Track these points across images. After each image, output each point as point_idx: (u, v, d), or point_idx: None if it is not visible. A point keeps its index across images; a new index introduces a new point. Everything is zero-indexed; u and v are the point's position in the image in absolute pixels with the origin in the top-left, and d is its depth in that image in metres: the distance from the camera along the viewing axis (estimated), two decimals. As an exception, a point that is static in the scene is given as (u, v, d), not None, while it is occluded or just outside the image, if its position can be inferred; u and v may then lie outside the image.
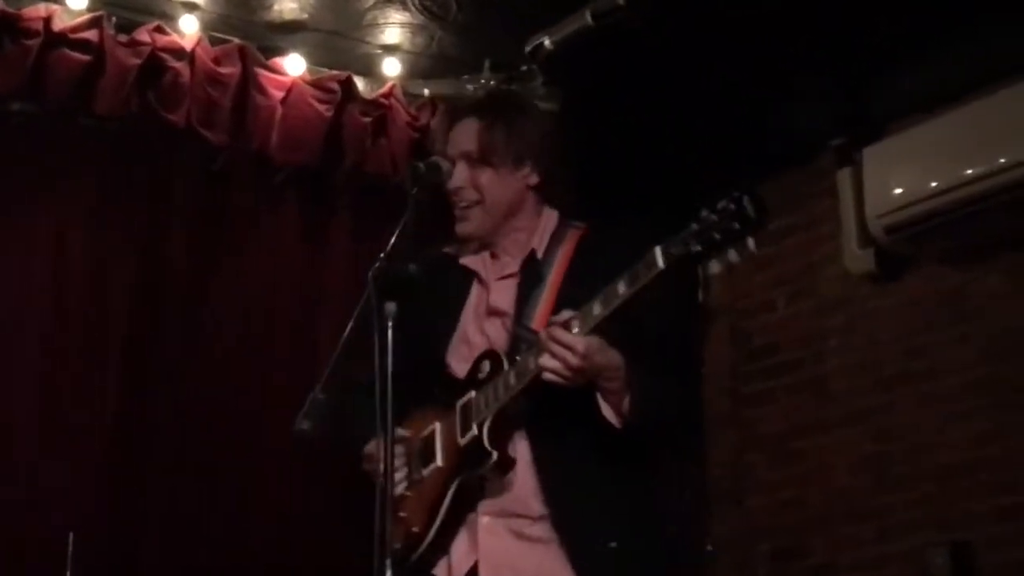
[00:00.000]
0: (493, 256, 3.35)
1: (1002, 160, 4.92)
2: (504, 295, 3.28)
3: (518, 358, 3.07)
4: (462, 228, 3.31)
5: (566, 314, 2.97)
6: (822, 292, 5.87)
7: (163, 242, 5.18)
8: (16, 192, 4.95)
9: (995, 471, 5.11)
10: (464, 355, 3.22)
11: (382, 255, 2.90)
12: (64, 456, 4.79)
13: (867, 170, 5.45)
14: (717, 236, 2.75)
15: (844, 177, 5.61)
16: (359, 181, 5.50)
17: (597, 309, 2.92)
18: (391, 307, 2.81)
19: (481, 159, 3.25)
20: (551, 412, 3.07)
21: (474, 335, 3.26)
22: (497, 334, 3.22)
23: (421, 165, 3.18)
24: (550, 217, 3.35)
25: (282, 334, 5.29)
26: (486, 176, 3.26)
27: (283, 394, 4.89)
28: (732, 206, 2.76)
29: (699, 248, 2.77)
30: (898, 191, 5.26)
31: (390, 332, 2.79)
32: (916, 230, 5.26)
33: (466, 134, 3.29)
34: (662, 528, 3.26)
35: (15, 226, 4.92)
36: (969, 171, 5.01)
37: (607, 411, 3.01)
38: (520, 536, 3.08)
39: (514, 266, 3.31)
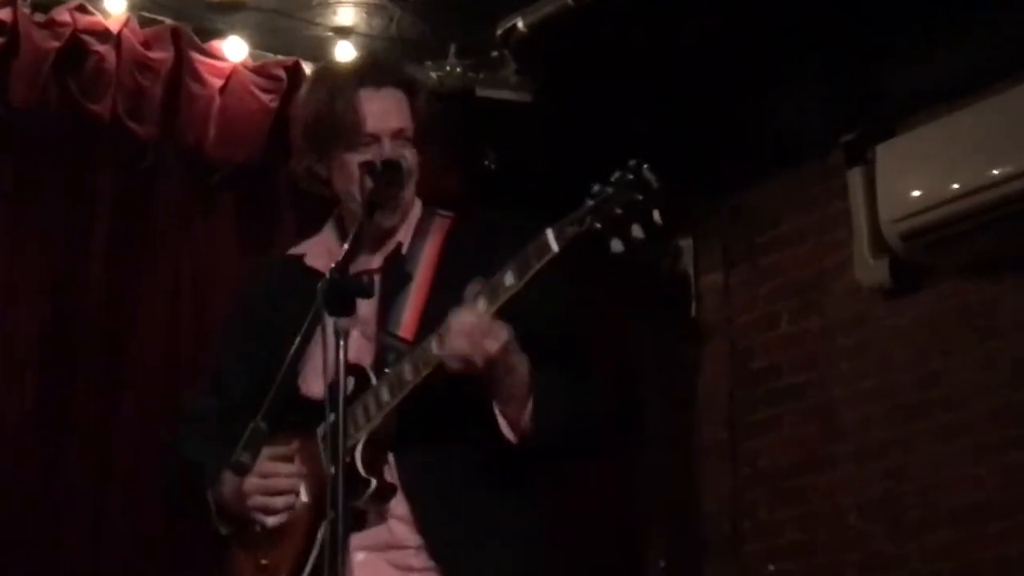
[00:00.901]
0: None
1: (1033, 159, 4.88)
2: (364, 298, 3.12)
3: (387, 370, 2.99)
4: (391, 220, 3.20)
5: (475, 287, 2.88)
6: (830, 308, 5.85)
7: (83, 248, 5.15)
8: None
9: (1026, 513, 5.03)
10: (319, 371, 3.00)
11: (333, 266, 2.85)
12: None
13: (881, 170, 5.46)
14: (618, 210, 2.72)
15: (855, 178, 5.63)
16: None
17: (482, 304, 2.87)
18: (344, 323, 2.76)
19: (414, 139, 3.18)
20: (425, 430, 3.01)
21: (330, 349, 3.08)
22: (358, 345, 3.04)
23: (378, 164, 3.10)
24: (415, 204, 3.27)
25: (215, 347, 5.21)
26: (413, 157, 3.18)
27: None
28: (630, 175, 2.74)
29: (598, 225, 2.73)
30: (916, 193, 5.27)
31: (342, 352, 2.75)
32: (936, 237, 5.25)
33: (396, 109, 3.18)
34: (555, 556, 3.18)
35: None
36: (995, 171, 5.01)
37: (503, 424, 2.96)
38: (401, 568, 3.03)
39: (374, 262, 3.19)
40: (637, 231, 2.73)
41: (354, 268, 3.11)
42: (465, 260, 3.07)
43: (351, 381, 2.97)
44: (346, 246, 2.96)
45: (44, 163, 5.14)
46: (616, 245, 2.74)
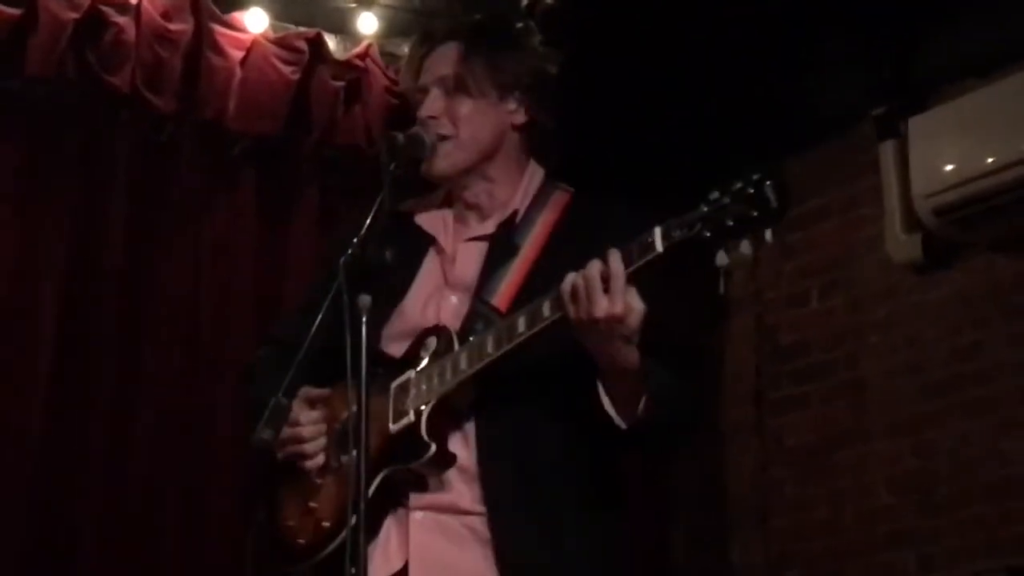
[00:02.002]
0: (457, 217, 3.20)
1: (1072, 132, 4.88)
2: (468, 263, 3.13)
3: (471, 338, 2.96)
4: (431, 166, 3.14)
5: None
6: (860, 283, 5.84)
7: (101, 222, 5.13)
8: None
9: (1058, 488, 5.05)
10: (403, 332, 3.06)
11: (355, 241, 2.84)
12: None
13: (913, 143, 5.41)
14: (730, 223, 2.66)
15: (887, 151, 5.57)
16: (328, 154, 5.48)
17: (617, 263, 2.79)
18: (366, 300, 2.72)
19: (458, 86, 3.13)
20: (508, 404, 2.97)
21: (421, 310, 3.11)
22: (450, 311, 3.07)
23: (400, 136, 3.05)
24: (535, 174, 3.22)
25: (236, 327, 5.23)
26: (464, 107, 3.13)
27: (236, 396, 4.80)
28: (751, 190, 2.66)
29: (707, 234, 2.68)
30: (949, 167, 5.23)
31: (364, 328, 2.71)
32: (969, 212, 5.21)
33: (444, 58, 3.16)
34: (623, 557, 3.11)
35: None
36: (1033, 145, 4.92)
37: (610, 407, 2.90)
38: (457, 531, 3.00)
39: (486, 228, 3.17)
40: (746, 248, 2.73)
41: (468, 233, 3.18)
42: (575, 240, 3.00)
43: (433, 342, 3.01)
44: (368, 220, 2.91)
45: (62, 136, 5.14)
46: (721, 259, 2.73)
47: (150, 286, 5.21)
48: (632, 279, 2.76)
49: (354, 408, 2.77)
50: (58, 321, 5.01)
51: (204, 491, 5.09)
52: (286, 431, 3.04)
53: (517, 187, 3.19)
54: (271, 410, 2.91)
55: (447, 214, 3.23)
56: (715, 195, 2.69)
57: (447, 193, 3.24)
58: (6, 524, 4.73)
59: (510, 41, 3.27)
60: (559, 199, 3.19)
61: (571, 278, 2.79)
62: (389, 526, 3.02)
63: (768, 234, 2.67)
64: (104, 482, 4.97)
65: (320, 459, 3.09)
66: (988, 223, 5.25)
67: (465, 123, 3.14)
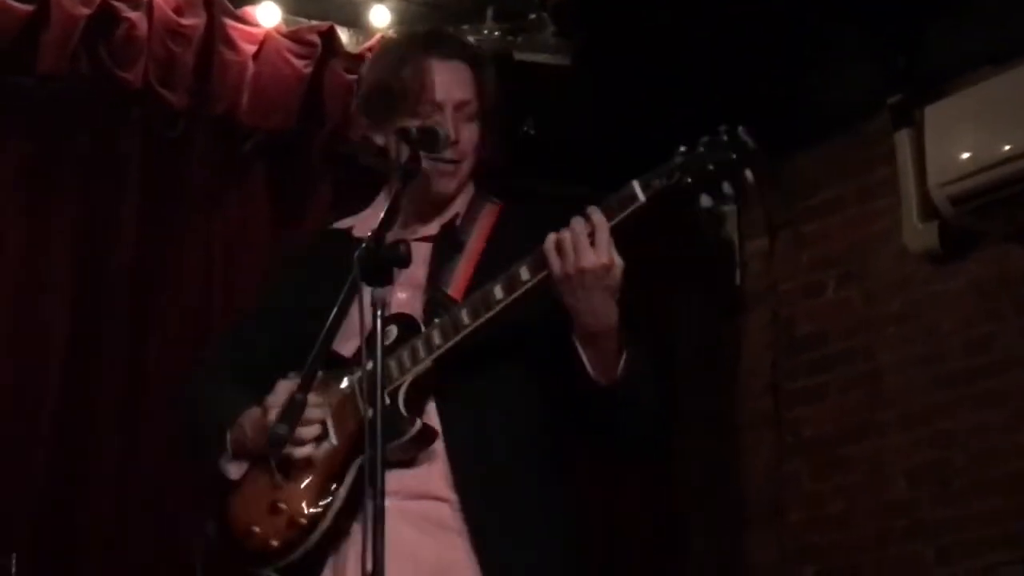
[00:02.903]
0: (401, 223, 3.19)
1: (1090, 120, 4.90)
2: (416, 262, 3.06)
3: (437, 320, 3.00)
4: (445, 186, 3.20)
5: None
6: (877, 274, 5.82)
7: (113, 218, 5.16)
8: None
9: (1075, 478, 5.07)
10: (351, 332, 2.98)
11: (369, 234, 2.82)
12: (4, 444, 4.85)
13: (929, 132, 5.42)
14: (711, 167, 2.75)
15: (902, 140, 5.56)
16: (341, 148, 5.44)
17: (599, 216, 2.87)
18: (380, 293, 2.73)
19: (475, 115, 3.19)
20: (469, 380, 3.01)
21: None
22: (400, 305, 3.08)
23: (414, 130, 3.06)
24: (470, 185, 3.30)
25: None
26: (473, 134, 3.19)
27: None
28: (725, 136, 2.76)
29: (688, 180, 2.75)
30: (966, 156, 5.24)
31: (379, 322, 2.71)
32: (986, 201, 5.23)
33: (460, 80, 3.19)
34: (578, 544, 3.17)
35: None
36: (1048, 133, 4.94)
37: (591, 368, 2.93)
38: (428, 521, 3.01)
39: (430, 230, 3.22)
40: (727, 189, 2.77)
41: (410, 234, 3.17)
42: (515, 237, 3.06)
43: (395, 329, 3.02)
44: (382, 214, 2.90)
45: (74, 132, 5.16)
46: (705, 200, 2.76)
47: (162, 281, 5.24)
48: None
49: (364, 404, 2.84)
50: (69, 316, 5.03)
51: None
52: (280, 413, 3.03)
53: (459, 191, 3.25)
54: (288, 406, 2.92)
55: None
56: (684, 148, 2.79)
57: (394, 198, 3.18)
58: (14, 521, 4.77)
59: (494, 72, 3.31)
60: (492, 208, 3.27)
61: (554, 235, 2.85)
62: (361, 521, 2.97)
63: (749, 175, 2.75)
64: (114, 479, 5.01)
65: (310, 448, 3.07)
66: (1005, 212, 5.25)
67: (471, 149, 3.20)
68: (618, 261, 2.82)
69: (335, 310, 2.88)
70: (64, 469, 4.91)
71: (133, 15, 5.08)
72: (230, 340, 3.44)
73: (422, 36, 3.40)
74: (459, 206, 3.24)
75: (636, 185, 2.80)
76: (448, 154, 3.13)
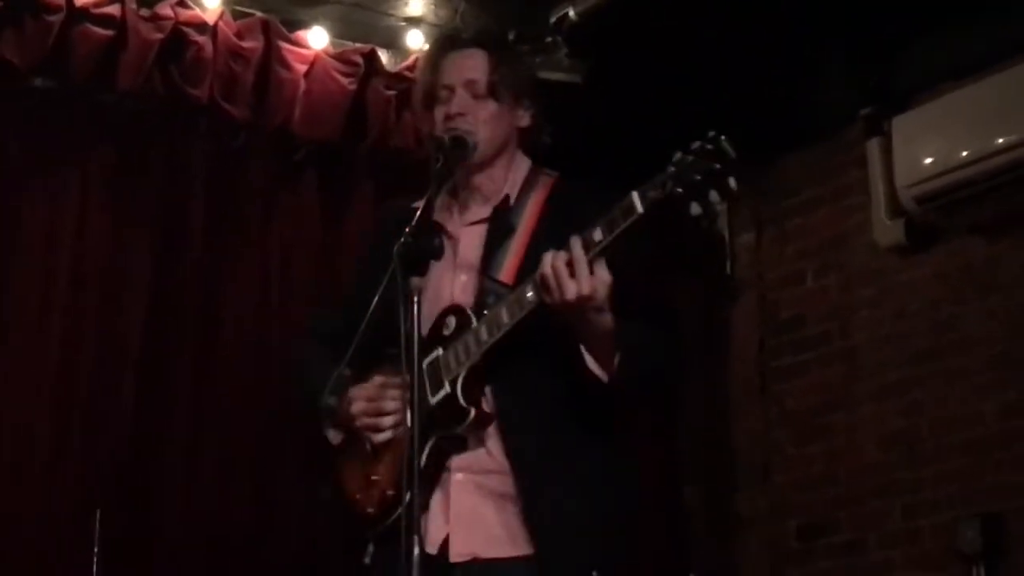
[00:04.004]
0: (461, 205, 3.27)
1: (1033, 129, 4.95)
2: (472, 245, 3.20)
3: (486, 312, 3.03)
4: (478, 179, 3.24)
5: (573, 240, 2.88)
6: (851, 264, 5.86)
7: (182, 220, 5.21)
8: (38, 168, 5.01)
9: (1026, 443, 5.16)
10: (426, 313, 3.05)
11: (407, 230, 2.87)
12: (86, 429, 4.86)
13: (896, 140, 5.43)
14: (697, 177, 2.71)
15: (873, 147, 5.58)
16: (382, 156, 5.50)
17: (579, 250, 2.86)
18: (417, 282, 2.80)
19: (488, 91, 3.19)
20: (517, 368, 3.03)
21: (439, 291, 3.17)
22: (463, 288, 3.15)
23: (446, 138, 3.12)
24: (523, 161, 3.31)
25: (299, 312, 5.25)
26: (488, 110, 3.19)
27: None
28: (709, 146, 2.73)
29: (679, 190, 2.73)
30: (928, 161, 5.25)
31: (416, 307, 2.77)
32: (946, 200, 5.25)
33: (473, 63, 3.22)
34: (628, 496, 3.18)
35: (37, 201, 4.99)
36: (1000, 140, 5.00)
37: (594, 366, 2.97)
38: (492, 493, 3.04)
39: (484, 212, 3.24)
40: (715, 197, 2.73)
41: (466, 218, 3.23)
42: (564, 217, 3.06)
43: (453, 320, 3.07)
44: (419, 212, 2.96)
45: (148, 142, 5.23)
46: (695, 208, 2.74)
47: (227, 271, 5.29)
48: (608, 250, 2.84)
49: (408, 378, 2.82)
50: (146, 309, 5.10)
51: (271, 463, 5.14)
52: (362, 405, 3.12)
53: (508, 175, 3.26)
54: (334, 381, 3.00)
55: (452, 203, 3.28)
56: (678, 156, 2.77)
57: (453, 183, 3.29)
58: (98, 481, 4.80)
59: (525, 55, 3.36)
60: (545, 183, 3.26)
61: (540, 272, 2.88)
62: (437, 492, 3.07)
63: (732, 181, 2.72)
64: (184, 452, 5.06)
65: (389, 434, 3.13)
66: (963, 210, 5.28)
67: (487, 124, 3.19)
68: (603, 280, 2.85)
69: (376, 300, 2.92)
70: (142, 436, 4.97)
71: (200, 39, 5.18)
72: (332, 309, 3.49)
73: (443, 36, 3.50)
74: (511, 185, 3.25)
75: (635, 196, 2.79)
76: (476, 157, 3.16)
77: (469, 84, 3.19)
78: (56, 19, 4.88)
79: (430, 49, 3.40)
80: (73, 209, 5.02)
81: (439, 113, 3.21)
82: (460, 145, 3.12)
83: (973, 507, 5.19)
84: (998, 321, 5.27)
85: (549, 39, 5.39)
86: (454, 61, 3.23)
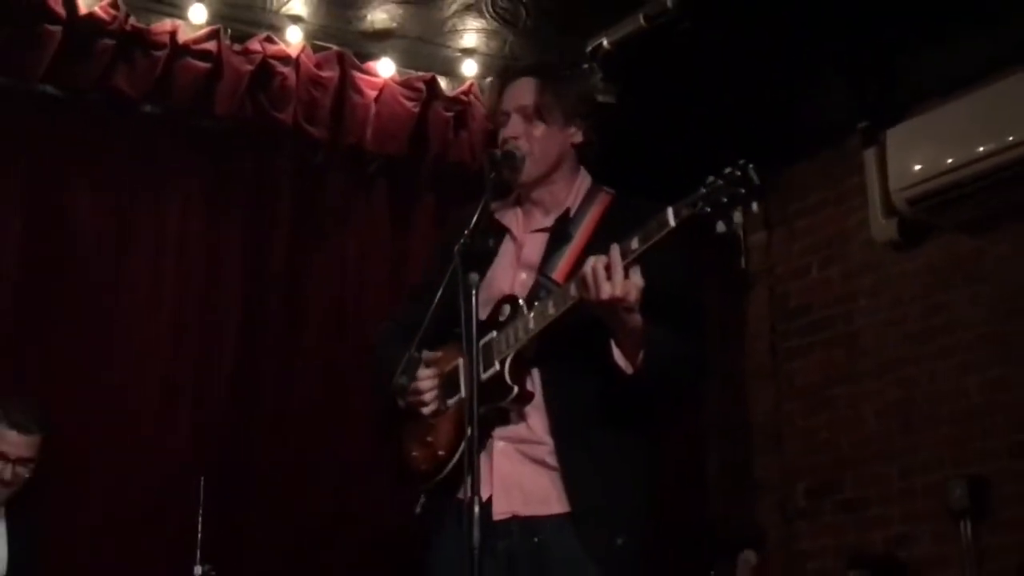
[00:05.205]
0: (525, 213, 3.30)
1: (1010, 138, 5.01)
2: (534, 249, 3.23)
3: (536, 303, 3.06)
4: (535, 191, 3.26)
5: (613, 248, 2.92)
6: (851, 258, 5.92)
7: (269, 229, 5.32)
8: (147, 182, 5.16)
9: (1007, 413, 5.23)
10: (487, 300, 3.07)
11: (466, 232, 2.90)
12: (191, 406, 4.99)
13: (890, 149, 5.50)
14: (725, 199, 2.74)
15: (870, 156, 5.66)
16: (442, 170, 5.61)
17: (616, 256, 2.87)
18: (474, 277, 2.85)
19: (536, 114, 3.20)
20: (561, 355, 3.07)
21: (500, 284, 3.19)
22: (522, 284, 3.17)
23: (498, 153, 3.16)
24: (585, 178, 3.33)
25: (372, 309, 5.32)
26: (539, 130, 3.20)
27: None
28: (738, 173, 2.75)
29: (708, 210, 2.75)
30: (918, 167, 5.32)
31: (474, 299, 2.83)
32: (934, 202, 5.31)
33: (523, 90, 3.24)
34: (652, 470, 3.14)
35: (146, 211, 5.13)
36: (981, 148, 5.09)
37: (620, 359, 2.97)
38: (530, 459, 3.06)
39: (547, 221, 3.27)
40: (738, 217, 2.78)
41: (534, 226, 3.28)
42: (615, 229, 3.04)
43: (508, 308, 3.12)
44: (475, 217, 2.98)
45: (240, 160, 5.38)
46: (720, 227, 2.78)
47: (309, 276, 5.37)
48: (645, 255, 2.85)
49: (466, 361, 2.86)
50: (240, 306, 5.21)
51: (346, 438, 5.20)
52: (414, 385, 3.18)
53: (570, 190, 3.29)
54: (406, 362, 3.02)
55: (518, 211, 3.32)
56: (711, 179, 2.78)
57: (518, 195, 3.34)
58: (202, 454, 4.92)
59: (574, 79, 3.38)
60: (603, 198, 3.28)
61: (582, 271, 2.89)
62: (482, 457, 3.02)
63: (755, 205, 2.74)
64: (272, 429, 5.15)
65: (433, 406, 3.19)
66: (949, 210, 5.35)
67: (538, 143, 3.21)
68: (636, 284, 2.85)
69: (440, 292, 2.95)
70: (239, 416, 5.11)
71: (285, 70, 5.35)
72: (410, 298, 3.48)
73: (501, 67, 3.58)
74: (572, 200, 3.26)
75: (670, 212, 2.81)
76: (527, 170, 3.17)
77: (521, 109, 3.22)
78: (162, 54, 5.10)
79: (493, 80, 3.47)
80: (176, 217, 5.19)
81: (500, 136, 3.28)
82: (509, 158, 3.18)
83: (960, 469, 5.29)
84: (982, 306, 5.40)
85: (586, 65, 5.42)
86: (509, 90, 3.28)
